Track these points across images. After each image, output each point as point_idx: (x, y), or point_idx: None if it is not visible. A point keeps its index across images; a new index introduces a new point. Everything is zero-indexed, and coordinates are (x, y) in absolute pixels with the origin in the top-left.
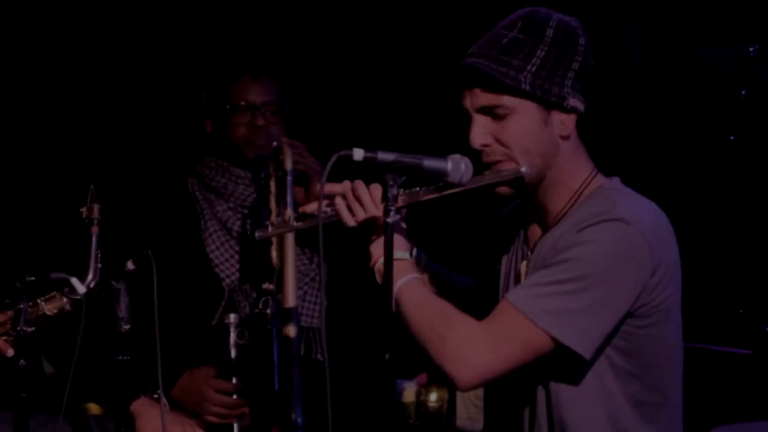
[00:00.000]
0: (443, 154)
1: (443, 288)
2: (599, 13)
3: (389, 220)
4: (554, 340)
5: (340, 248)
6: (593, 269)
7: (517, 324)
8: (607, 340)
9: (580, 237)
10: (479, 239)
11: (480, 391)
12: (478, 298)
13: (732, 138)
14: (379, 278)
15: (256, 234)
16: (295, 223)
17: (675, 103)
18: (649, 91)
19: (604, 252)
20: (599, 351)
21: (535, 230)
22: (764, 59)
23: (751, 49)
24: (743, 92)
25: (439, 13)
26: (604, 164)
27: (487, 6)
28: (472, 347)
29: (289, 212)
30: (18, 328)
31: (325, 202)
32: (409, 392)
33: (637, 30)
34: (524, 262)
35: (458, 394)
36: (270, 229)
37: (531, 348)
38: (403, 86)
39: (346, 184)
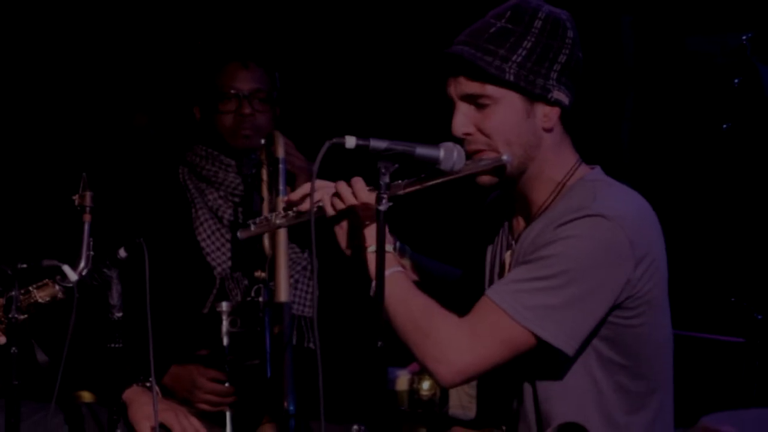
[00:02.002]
0: (436, 142)
1: (429, 279)
2: (592, 4)
3: (381, 207)
4: (535, 336)
5: (330, 237)
6: (572, 265)
7: (498, 321)
8: (594, 332)
9: (559, 233)
10: (465, 227)
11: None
12: (464, 288)
13: (725, 126)
14: (370, 267)
15: (239, 234)
16: (277, 221)
17: (668, 92)
18: (643, 81)
19: (583, 248)
20: (585, 343)
21: (519, 221)
22: (757, 48)
23: (744, 37)
24: (736, 81)
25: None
26: (597, 155)
27: None
28: (454, 345)
29: (279, 205)
30: (10, 316)
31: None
32: (402, 380)
33: (630, 20)
34: (508, 252)
35: None
36: (252, 228)
37: (512, 345)
38: (395, 73)
39: (329, 184)
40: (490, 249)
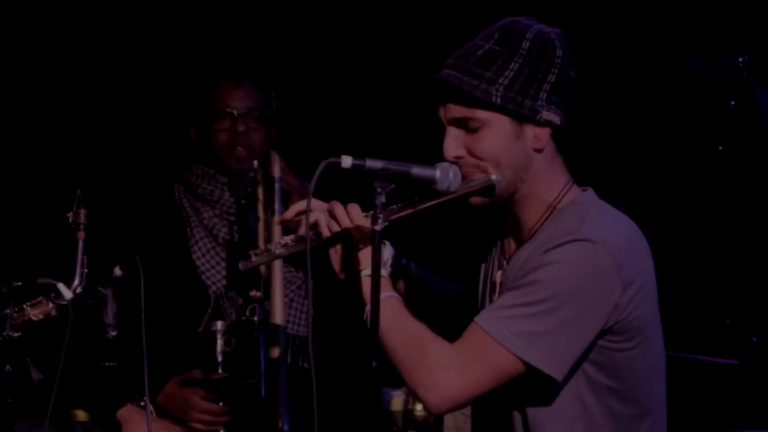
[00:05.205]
0: (433, 163)
1: (432, 296)
2: (589, 24)
3: (377, 228)
4: (524, 362)
5: (325, 257)
6: (560, 290)
7: (487, 348)
8: (584, 356)
9: (547, 258)
10: (461, 246)
11: None
12: (460, 307)
13: (721, 148)
14: (364, 291)
15: (240, 265)
16: (277, 251)
17: (664, 113)
18: (639, 100)
19: (570, 273)
20: (575, 367)
21: (510, 241)
22: (754, 70)
23: (740, 59)
24: (732, 103)
25: (428, 19)
26: (593, 174)
27: (475, 14)
28: (443, 372)
29: (277, 229)
30: (4, 334)
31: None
32: (397, 401)
33: (627, 40)
34: (500, 272)
35: None
36: (253, 258)
37: (501, 371)
38: (392, 93)
39: (323, 204)
40: (483, 268)
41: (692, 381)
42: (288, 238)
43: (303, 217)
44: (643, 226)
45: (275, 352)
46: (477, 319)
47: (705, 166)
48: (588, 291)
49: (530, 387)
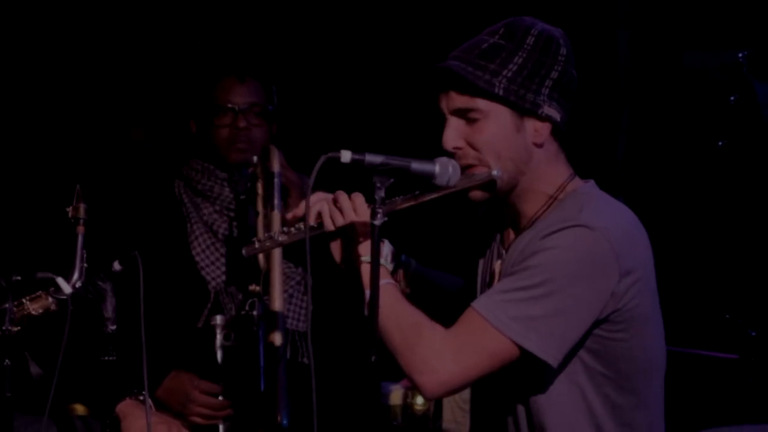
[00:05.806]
0: (432, 157)
1: (433, 290)
2: (589, 19)
3: (376, 222)
4: (520, 347)
5: (325, 251)
6: (556, 275)
7: (483, 332)
8: (580, 344)
9: (544, 243)
10: (459, 239)
11: (466, 395)
12: (460, 300)
13: (720, 143)
14: (364, 278)
15: (243, 251)
16: (280, 238)
17: (664, 109)
18: (639, 96)
19: (567, 258)
20: (571, 355)
21: (510, 232)
22: (753, 65)
23: (740, 54)
24: (732, 98)
25: (428, 17)
26: (592, 170)
27: (476, 12)
28: (439, 357)
29: (276, 224)
30: (3, 328)
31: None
32: (396, 395)
33: (626, 36)
34: (498, 262)
35: (445, 398)
36: (257, 245)
37: (497, 356)
38: (392, 88)
39: (328, 196)
40: (482, 260)
41: (691, 375)
42: (292, 227)
43: (310, 209)
44: (643, 222)
45: (275, 339)
46: (474, 303)
47: (705, 162)
48: (584, 277)
49: (529, 373)
